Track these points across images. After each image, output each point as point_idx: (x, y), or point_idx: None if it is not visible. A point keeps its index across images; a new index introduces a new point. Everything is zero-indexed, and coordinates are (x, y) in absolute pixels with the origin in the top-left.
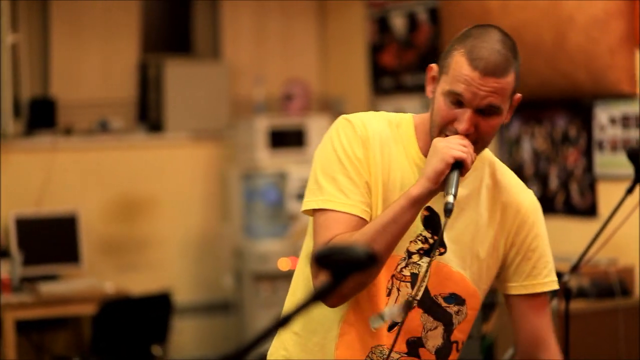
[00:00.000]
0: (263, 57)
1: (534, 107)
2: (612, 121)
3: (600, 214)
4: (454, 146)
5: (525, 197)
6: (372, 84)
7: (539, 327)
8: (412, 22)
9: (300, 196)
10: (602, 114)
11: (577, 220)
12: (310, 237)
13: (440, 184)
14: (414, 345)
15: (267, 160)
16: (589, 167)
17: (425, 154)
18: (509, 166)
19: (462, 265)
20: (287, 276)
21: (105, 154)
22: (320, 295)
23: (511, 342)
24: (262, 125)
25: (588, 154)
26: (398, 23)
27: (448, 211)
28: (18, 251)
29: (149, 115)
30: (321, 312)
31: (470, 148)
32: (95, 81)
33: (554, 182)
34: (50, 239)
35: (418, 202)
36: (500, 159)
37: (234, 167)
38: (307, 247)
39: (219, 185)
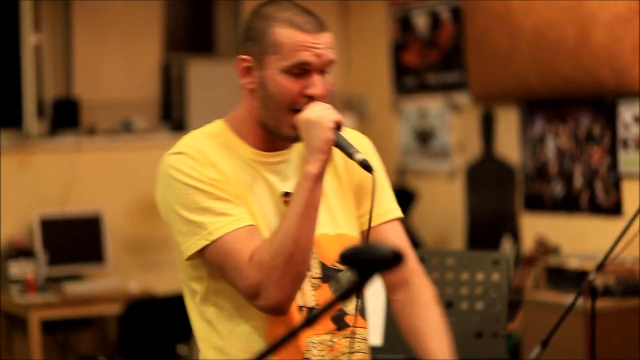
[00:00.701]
0: None
1: (557, 106)
2: (636, 119)
3: (625, 212)
4: (325, 112)
5: (359, 140)
6: (395, 83)
7: (401, 247)
8: (435, 21)
9: None
10: (626, 112)
11: (602, 219)
12: (195, 280)
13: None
14: (339, 318)
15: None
16: (613, 165)
17: (260, 148)
18: (533, 165)
19: (335, 225)
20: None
21: (129, 154)
22: (348, 295)
23: (537, 341)
24: None
25: (612, 152)
26: (421, 22)
27: (369, 167)
28: (43, 251)
29: (172, 114)
30: (238, 330)
31: (329, 106)
32: (118, 81)
33: (578, 181)
34: (75, 239)
35: (320, 176)
36: (524, 158)
37: None
38: (193, 289)
39: None
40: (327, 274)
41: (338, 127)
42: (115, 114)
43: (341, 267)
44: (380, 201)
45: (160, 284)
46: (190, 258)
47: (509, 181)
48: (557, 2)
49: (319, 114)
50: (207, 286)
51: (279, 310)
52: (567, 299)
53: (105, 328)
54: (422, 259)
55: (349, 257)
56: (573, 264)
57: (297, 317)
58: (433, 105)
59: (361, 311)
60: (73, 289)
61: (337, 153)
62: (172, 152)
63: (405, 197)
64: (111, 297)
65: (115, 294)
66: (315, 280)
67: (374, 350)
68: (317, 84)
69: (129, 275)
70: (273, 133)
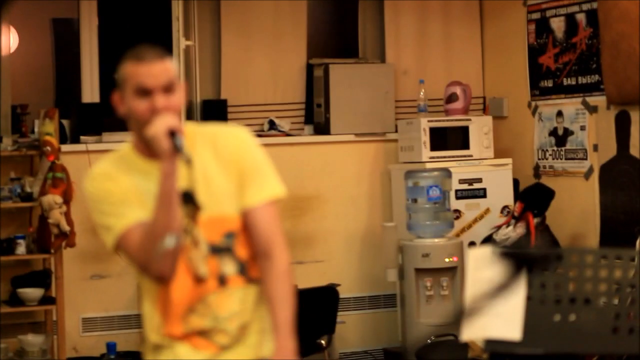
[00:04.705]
0: (425, 59)
1: None
2: None
3: None
4: (157, 126)
5: (232, 134)
6: (532, 85)
7: (269, 225)
8: (571, 24)
9: (461, 194)
10: None
11: None
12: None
13: (174, 151)
14: (223, 277)
15: (430, 159)
16: None
17: (154, 158)
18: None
19: (218, 207)
20: (450, 270)
21: (273, 152)
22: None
23: None
24: (424, 125)
25: None
26: (557, 25)
27: (189, 160)
28: None
29: (315, 117)
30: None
31: (171, 116)
32: (264, 84)
33: None
34: None
35: (170, 173)
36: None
37: (398, 166)
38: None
39: (383, 183)
40: (213, 250)
41: (172, 133)
42: (261, 117)
43: (221, 243)
44: (256, 183)
45: (303, 278)
46: (115, 251)
47: None
48: None
49: (153, 130)
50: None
51: (163, 277)
52: None
53: None
54: (561, 257)
55: (507, 256)
56: None
57: (193, 286)
58: (569, 107)
59: (241, 270)
60: None
61: (229, 146)
62: (86, 178)
63: (544, 196)
64: None
65: None
66: (204, 256)
67: (512, 344)
68: (156, 99)
69: None
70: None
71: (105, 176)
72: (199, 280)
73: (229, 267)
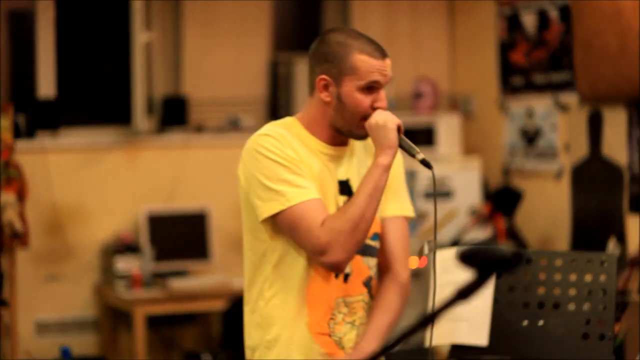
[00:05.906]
0: (392, 55)
1: None
2: None
3: None
4: (390, 118)
5: None
6: (502, 82)
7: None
8: (543, 20)
9: (429, 195)
10: None
11: None
12: (260, 241)
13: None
14: (369, 282)
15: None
16: None
17: (328, 142)
18: None
19: None
20: (416, 274)
21: (236, 151)
22: (466, 294)
23: None
24: None
25: None
26: (529, 21)
27: (429, 164)
28: (149, 247)
29: (279, 113)
30: (284, 298)
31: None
32: (226, 79)
33: None
34: (181, 235)
35: (388, 167)
36: (631, 159)
37: None
38: (256, 248)
39: None
40: (362, 248)
41: (399, 129)
42: (223, 112)
43: (370, 242)
44: (399, 198)
45: None
46: (264, 220)
47: (616, 182)
48: None
49: (384, 119)
50: (267, 247)
51: (339, 266)
52: None
53: (210, 324)
54: (530, 260)
55: (469, 257)
56: None
57: (336, 284)
58: (540, 105)
59: (366, 283)
60: (178, 284)
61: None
62: (260, 134)
63: (511, 197)
64: (216, 293)
65: (219, 290)
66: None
67: (479, 350)
68: (383, 99)
69: (234, 271)
70: (344, 134)
71: (286, 142)
72: (343, 278)
73: (373, 272)
